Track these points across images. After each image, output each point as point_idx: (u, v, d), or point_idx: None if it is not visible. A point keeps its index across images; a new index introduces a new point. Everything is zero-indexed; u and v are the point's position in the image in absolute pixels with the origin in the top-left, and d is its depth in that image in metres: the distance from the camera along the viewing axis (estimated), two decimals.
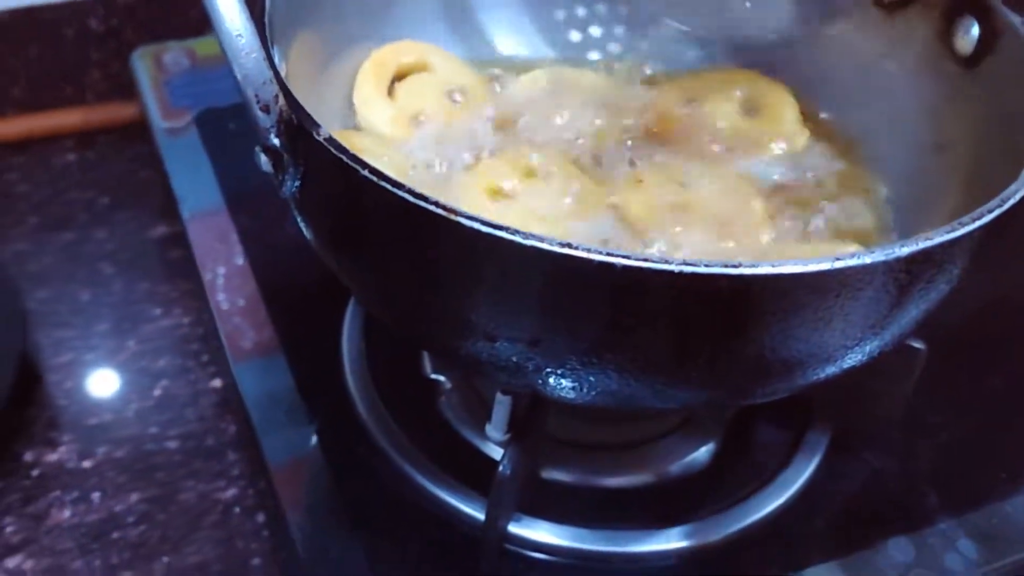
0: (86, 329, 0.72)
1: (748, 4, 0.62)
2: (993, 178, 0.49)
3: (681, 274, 0.37)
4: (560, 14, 0.66)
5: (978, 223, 0.39)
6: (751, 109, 0.61)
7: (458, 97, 0.61)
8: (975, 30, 0.53)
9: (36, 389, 0.68)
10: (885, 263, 0.38)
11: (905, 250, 0.38)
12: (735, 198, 0.54)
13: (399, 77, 0.62)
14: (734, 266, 0.37)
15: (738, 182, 0.56)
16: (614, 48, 0.66)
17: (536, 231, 0.51)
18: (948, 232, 0.39)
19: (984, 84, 0.52)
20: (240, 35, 0.38)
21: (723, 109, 0.60)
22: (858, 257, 0.38)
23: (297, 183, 0.43)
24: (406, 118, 0.60)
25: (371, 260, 0.44)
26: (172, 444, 0.66)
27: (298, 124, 0.42)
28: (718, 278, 0.37)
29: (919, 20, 0.56)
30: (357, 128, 0.60)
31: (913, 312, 0.42)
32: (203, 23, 0.86)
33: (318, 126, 0.41)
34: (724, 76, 0.62)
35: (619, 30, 0.66)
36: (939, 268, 0.40)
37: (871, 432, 0.57)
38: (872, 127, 0.58)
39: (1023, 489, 0.56)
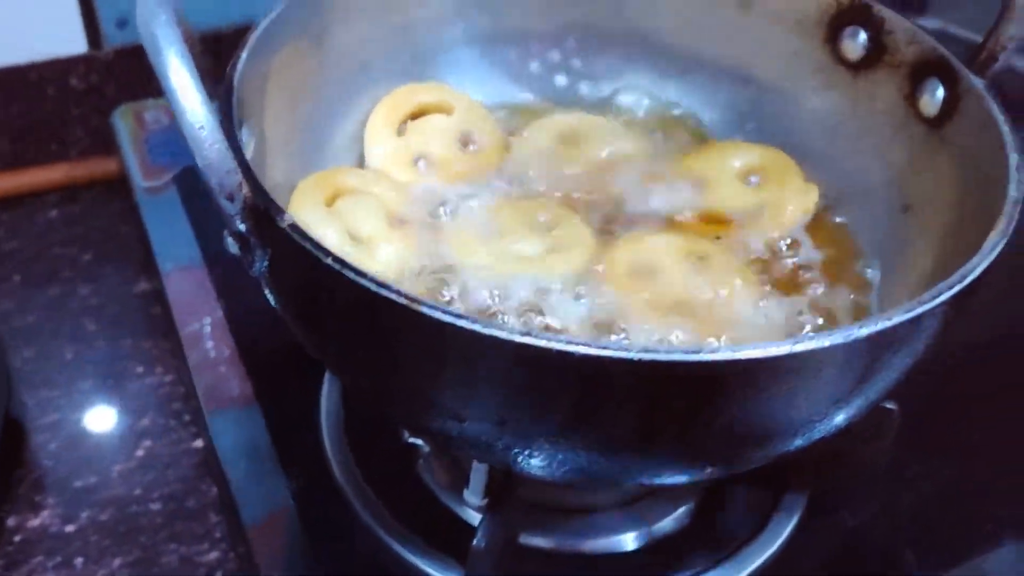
0: (70, 387, 0.73)
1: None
2: (964, 238, 0.50)
3: (640, 362, 0.37)
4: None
5: (938, 300, 0.40)
6: (753, 177, 0.61)
7: (472, 143, 0.61)
8: (940, 92, 0.53)
9: (22, 450, 0.68)
10: (845, 345, 0.38)
11: (864, 331, 0.38)
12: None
13: (417, 116, 0.62)
14: (693, 352, 0.37)
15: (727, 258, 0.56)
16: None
17: (517, 270, 0.53)
18: (907, 311, 0.39)
19: (949, 146, 0.53)
20: (202, 127, 0.39)
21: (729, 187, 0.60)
22: (817, 340, 0.38)
23: (265, 264, 0.44)
24: (408, 157, 0.60)
25: (337, 343, 0.44)
26: (155, 506, 0.66)
27: (263, 209, 0.42)
28: (678, 365, 0.37)
29: (885, 80, 0.56)
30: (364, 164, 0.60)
31: (879, 384, 0.42)
32: None
33: (282, 212, 0.41)
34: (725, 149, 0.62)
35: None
36: (902, 344, 0.41)
37: (848, 491, 0.58)
38: (841, 188, 0.58)
39: (1000, 545, 0.56)
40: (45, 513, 0.65)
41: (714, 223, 0.59)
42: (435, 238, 0.56)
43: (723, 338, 0.50)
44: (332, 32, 0.57)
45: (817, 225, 0.59)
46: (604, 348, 0.37)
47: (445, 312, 0.38)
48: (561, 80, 0.66)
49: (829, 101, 0.59)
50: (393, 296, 0.39)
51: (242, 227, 0.42)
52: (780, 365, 0.38)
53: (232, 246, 0.43)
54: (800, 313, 0.53)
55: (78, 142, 0.86)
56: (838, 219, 0.59)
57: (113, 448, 0.70)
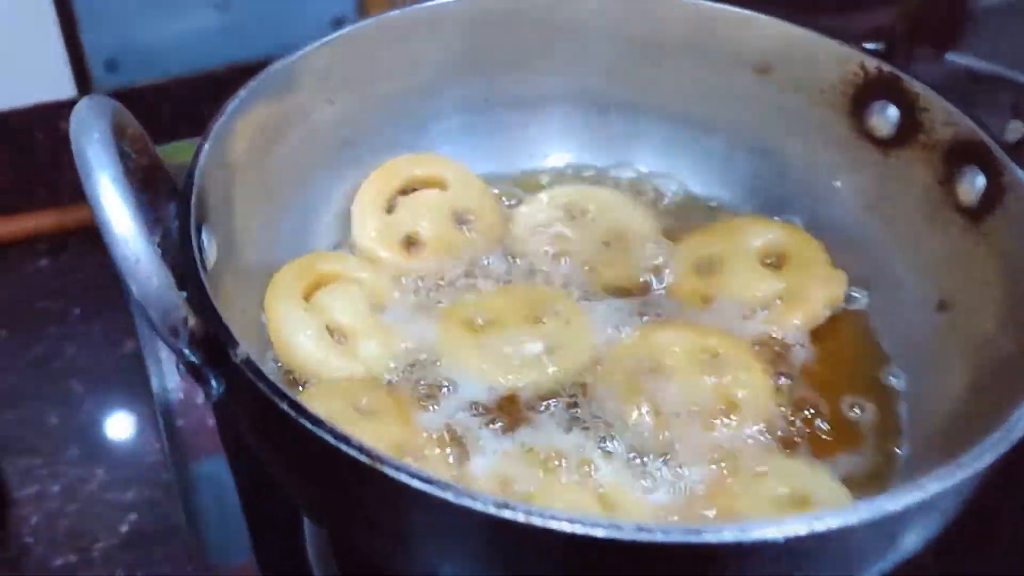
0: (54, 456, 0.70)
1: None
2: (1008, 348, 0.45)
3: (634, 544, 0.32)
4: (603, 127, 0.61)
5: (982, 463, 0.35)
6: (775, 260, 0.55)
7: (467, 221, 0.57)
8: (980, 181, 0.48)
9: (3, 525, 0.65)
10: (871, 521, 0.33)
11: (893, 506, 0.34)
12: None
13: (409, 191, 0.57)
14: (695, 533, 0.32)
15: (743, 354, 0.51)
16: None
17: (509, 375, 0.49)
18: (944, 479, 0.34)
19: (991, 241, 0.48)
20: (138, 259, 0.35)
21: (747, 272, 0.55)
22: (840, 516, 0.33)
23: (221, 391, 0.40)
24: (397, 237, 0.56)
25: (294, 482, 0.40)
26: None
27: (215, 339, 0.38)
28: (677, 548, 0.32)
29: (918, 161, 0.51)
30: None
31: (906, 549, 0.38)
32: (174, 125, 0.84)
33: (236, 345, 0.37)
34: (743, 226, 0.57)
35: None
36: (937, 510, 0.36)
37: None
38: (868, 278, 0.53)
39: None
40: None
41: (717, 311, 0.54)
42: (424, 330, 0.52)
43: (728, 481, 0.45)
44: (310, 108, 0.53)
45: (836, 317, 0.53)
46: (594, 526, 0.32)
47: (412, 475, 0.34)
48: (562, 149, 0.61)
49: (856, 180, 0.54)
50: (354, 453, 0.34)
51: (193, 358, 0.38)
52: (795, 546, 0.33)
53: (184, 374, 0.38)
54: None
55: (69, 186, 0.83)
56: (861, 312, 0.53)
57: (96, 523, 0.67)
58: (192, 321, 0.37)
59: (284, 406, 0.36)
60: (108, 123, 0.36)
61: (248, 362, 0.37)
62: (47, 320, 0.77)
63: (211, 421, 0.61)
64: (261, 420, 0.39)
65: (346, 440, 0.35)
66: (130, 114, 0.41)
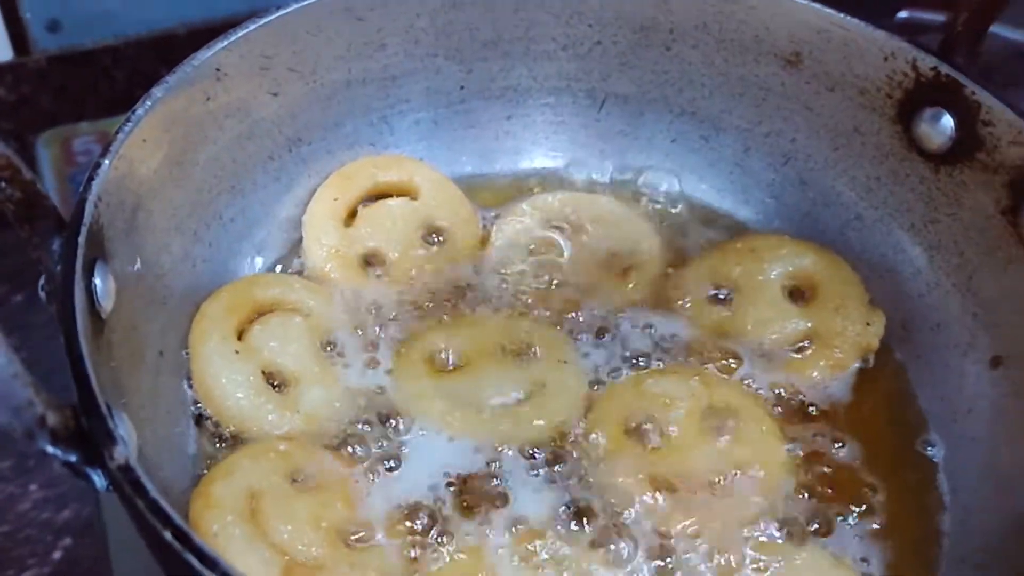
0: None
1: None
2: None
3: None
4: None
5: None
6: (801, 291, 0.47)
7: (439, 237, 0.49)
8: None
9: None
10: None
11: None
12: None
13: (371, 199, 0.50)
14: None
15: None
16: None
17: (479, 432, 0.42)
18: None
19: None
20: None
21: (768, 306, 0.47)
22: None
23: (106, 487, 0.32)
24: (356, 255, 0.48)
25: None
26: None
27: (90, 431, 0.30)
28: None
29: (976, 184, 0.43)
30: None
31: None
32: (129, 92, 0.75)
33: (112, 445, 0.30)
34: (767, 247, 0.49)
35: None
36: None
37: None
38: (907, 320, 0.45)
39: None
40: None
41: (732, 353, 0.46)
42: (381, 374, 0.44)
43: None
44: (249, 102, 0.45)
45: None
46: None
47: None
48: (551, 149, 0.53)
49: (898, 198, 0.46)
50: None
51: (65, 458, 0.30)
52: None
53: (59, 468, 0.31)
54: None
55: None
56: (896, 361, 0.45)
57: (27, 548, 0.60)
58: (52, 419, 0.29)
59: (167, 534, 0.28)
60: None
61: (127, 470, 0.29)
62: None
63: None
64: (146, 534, 0.31)
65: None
66: None
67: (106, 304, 0.37)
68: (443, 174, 0.50)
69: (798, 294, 0.47)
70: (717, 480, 0.41)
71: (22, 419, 0.29)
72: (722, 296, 0.48)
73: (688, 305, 0.47)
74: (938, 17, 0.47)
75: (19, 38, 0.71)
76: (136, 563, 0.48)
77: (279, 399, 0.43)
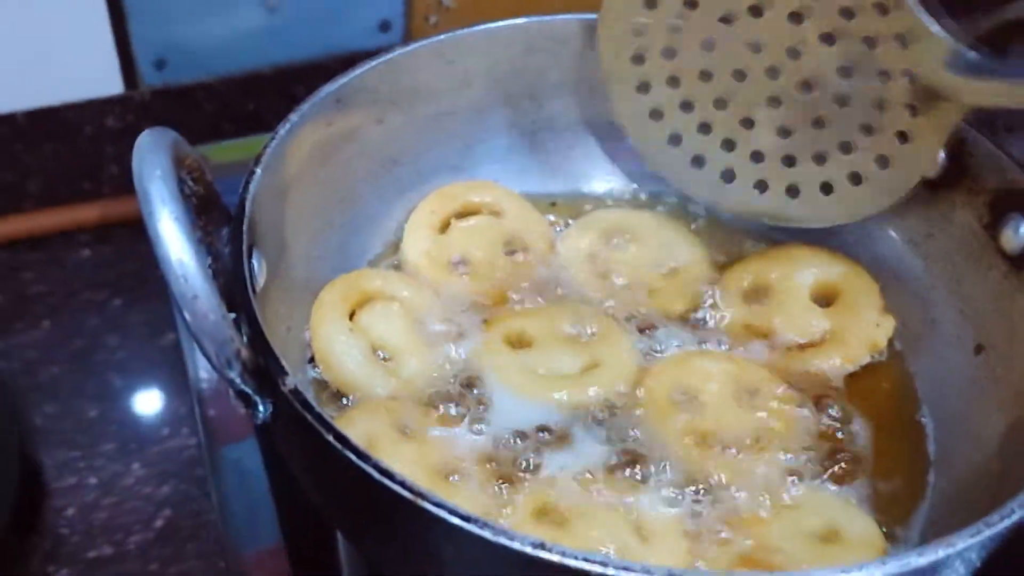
0: (92, 449, 0.70)
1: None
2: None
3: None
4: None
5: (1010, 519, 0.35)
6: (826, 297, 0.55)
7: (519, 250, 0.58)
8: (1023, 230, 0.48)
9: (39, 514, 0.66)
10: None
11: (923, 559, 0.34)
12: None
13: (465, 216, 0.58)
14: None
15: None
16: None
17: (547, 391, 0.50)
18: (974, 534, 0.35)
19: None
20: (196, 296, 0.35)
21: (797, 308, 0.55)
22: (867, 570, 0.34)
23: (269, 415, 0.41)
24: (444, 258, 0.56)
25: (333, 507, 0.41)
26: None
27: (266, 369, 0.38)
28: None
29: (963, 204, 0.51)
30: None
31: None
32: (218, 124, 0.84)
33: (285, 375, 0.38)
34: (794, 255, 0.56)
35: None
36: (965, 563, 0.36)
37: None
38: (906, 316, 0.53)
39: None
40: None
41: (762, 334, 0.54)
42: (466, 348, 0.53)
43: (762, 513, 0.46)
44: (360, 128, 0.53)
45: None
46: (626, 570, 0.33)
47: (451, 512, 0.35)
48: (607, 174, 0.61)
49: (903, 216, 0.54)
50: (396, 487, 0.35)
51: (244, 387, 0.39)
52: None
53: (234, 399, 0.39)
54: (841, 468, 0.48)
55: (112, 179, 0.84)
56: (897, 351, 0.54)
57: (132, 517, 0.67)
58: (244, 352, 0.38)
59: (330, 437, 0.37)
60: (169, 156, 0.37)
61: (296, 392, 0.38)
62: (89, 312, 0.78)
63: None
64: (305, 447, 0.39)
65: (389, 475, 0.36)
66: (186, 143, 0.42)
67: (259, 283, 0.45)
68: (523, 199, 0.58)
69: (822, 297, 0.55)
70: (747, 441, 0.49)
71: (223, 350, 0.37)
72: (755, 296, 0.55)
73: (725, 302, 0.55)
74: None
75: (130, 74, 0.79)
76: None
77: (384, 367, 0.51)
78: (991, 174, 0.50)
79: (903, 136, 0.51)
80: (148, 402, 0.73)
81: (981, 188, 0.50)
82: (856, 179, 0.53)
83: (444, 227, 0.57)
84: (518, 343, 0.53)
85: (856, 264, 0.55)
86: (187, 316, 0.36)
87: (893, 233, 0.55)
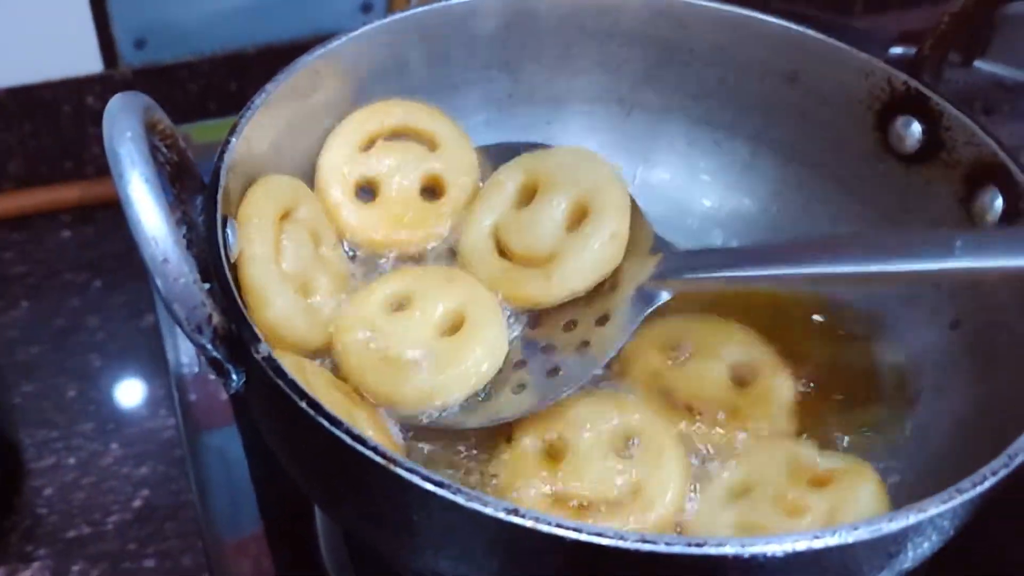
0: (70, 429, 0.70)
1: None
2: (1011, 371, 0.45)
3: (636, 552, 0.33)
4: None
5: (983, 486, 0.35)
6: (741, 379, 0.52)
7: (438, 195, 0.54)
8: (998, 202, 0.48)
9: (17, 494, 0.66)
10: (870, 540, 0.34)
11: (895, 524, 0.34)
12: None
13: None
14: (697, 544, 0.33)
15: None
16: None
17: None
18: (945, 501, 0.35)
19: None
20: (166, 259, 0.35)
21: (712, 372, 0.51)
22: (840, 534, 0.34)
23: (242, 385, 0.40)
24: (356, 176, 0.52)
25: (306, 475, 0.41)
26: (150, 563, 0.64)
27: (238, 335, 0.38)
28: (679, 558, 0.33)
29: (939, 179, 0.51)
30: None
31: (905, 564, 0.38)
32: (202, 104, 0.84)
33: (257, 341, 0.38)
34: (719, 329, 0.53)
35: None
36: (937, 530, 0.36)
37: None
38: (885, 295, 0.53)
39: None
40: (35, 565, 0.63)
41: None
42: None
43: None
44: (335, 102, 0.53)
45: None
46: (599, 535, 0.33)
47: (423, 478, 0.34)
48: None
49: (877, 192, 0.54)
50: (368, 453, 0.35)
51: (215, 353, 0.39)
52: (795, 561, 0.34)
53: (205, 366, 0.39)
54: None
55: (94, 160, 0.84)
56: (882, 326, 0.53)
57: (110, 496, 0.67)
58: (216, 318, 0.37)
59: (303, 404, 0.37)
60: (140, 120, 0.36)
61: (269, 359, 0.38)
62: (69, 292, 0.78)
63: (224, 395, 0.62)
64: (278, 415, 0.39)
65: (362, 440, 0.35)
66: (160, 109, 0.42)
67: (233, 252, 0.45)
68: (470, 142, 0.55)
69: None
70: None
71: (194, 316, 0.37)
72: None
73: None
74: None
75: (109, 53, 0.79)
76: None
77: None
78: (967, 147, 0.50)
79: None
80: (127, 383, 0.73)
81: (957, 161, 0.50)
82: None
83: (369, 144, 0.53)
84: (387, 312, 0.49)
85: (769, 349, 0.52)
86: (158, 281, 0.35)
87: (870, 210, 0.55)
